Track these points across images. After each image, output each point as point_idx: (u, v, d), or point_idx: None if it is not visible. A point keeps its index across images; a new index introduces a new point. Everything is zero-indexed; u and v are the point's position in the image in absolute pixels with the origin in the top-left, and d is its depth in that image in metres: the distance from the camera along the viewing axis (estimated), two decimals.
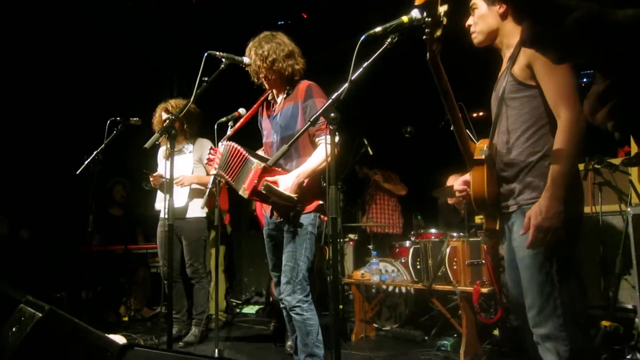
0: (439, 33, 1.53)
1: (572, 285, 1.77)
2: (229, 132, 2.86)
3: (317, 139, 2.55)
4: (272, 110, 2.78)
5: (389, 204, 5.68)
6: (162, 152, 4.18)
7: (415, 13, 1.56)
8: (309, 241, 2.54)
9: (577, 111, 1.69)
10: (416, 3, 1.51)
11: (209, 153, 2.70)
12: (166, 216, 3.84)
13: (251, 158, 2.51)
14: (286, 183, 2.45)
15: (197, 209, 3.97)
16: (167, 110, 3.92)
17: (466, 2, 2.01)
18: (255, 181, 2.43)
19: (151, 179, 3.95)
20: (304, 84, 2.66)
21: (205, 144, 4.11)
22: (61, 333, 1.98)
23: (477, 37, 2.00)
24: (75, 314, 2.95)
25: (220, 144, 2.72)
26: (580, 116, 1.69)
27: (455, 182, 2.07)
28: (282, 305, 2.71)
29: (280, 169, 2.56)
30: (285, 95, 2.72)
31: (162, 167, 4.09)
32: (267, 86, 2.75)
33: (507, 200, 1.89)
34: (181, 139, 4.05)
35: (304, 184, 2.49)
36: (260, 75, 2.68)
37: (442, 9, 1.51)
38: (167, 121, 2.40)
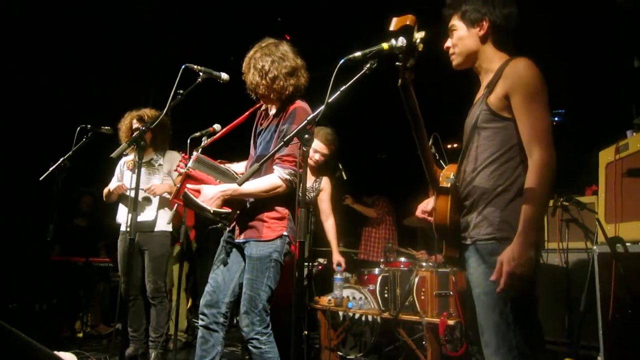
0: (412, 62, 1.51)
1: (529, 326, 1.74)
2: (203, 143, 2.75)
3: (273, 166, 2.41)
4: (263, 124, 2.62)
5: (373, 233, 5.71)
6: (125, 162, 4.06)
7: (395, 41, 1.54)
8: (273, 269, 2.38)
9: (550, 152, 1.68)
10: (391, 29, 1.48)
11: (178, 164, 2.59)
12: (128, 229, 3.77)
13: (190, 162, 2.42)
14: (206, 195, 2.34)
15: (164, 223, 3.87)
16: (140, 119, 3.83)
17: (444, 27, 2.00)
18: (179, 185, 2.38)
19: (108, 189, 3.84)
20: (293, 105, 2.45)
21: (175, 156, 4.03)
22: (4, 348, 1.86)
23: (455, 59, 1.98)
24: (28, 327, 2.81)
25: (193, 154, 2.57)
26: (553, 157, 1.68)
27: (418, 208, 2.05)
28: (200, 322, 2.48)
29: (216, 180, 2.44)
30: (275, 112, 2.55)
31: (127, 178, 3.97)
32: (262, 101, 2.60)
33: (465, 231, 1.87)
34: (150, 150, 3.96)
35: (234, 199, 2.37)
36: (259, 92, 2.49)
37: (419, 35, 1.48)
38: (138, 131, 2.31)
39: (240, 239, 2.49)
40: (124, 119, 3.90)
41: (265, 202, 2.42)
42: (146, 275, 3.86)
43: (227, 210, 2.38)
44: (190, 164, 2.40)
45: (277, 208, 2.44)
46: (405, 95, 1.61)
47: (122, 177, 4.03)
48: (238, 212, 2.48)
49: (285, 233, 2.43)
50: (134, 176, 3.83)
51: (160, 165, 3.97)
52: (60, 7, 4.82)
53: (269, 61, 2.42)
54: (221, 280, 2.51)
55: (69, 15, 4.92)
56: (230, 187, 2.37)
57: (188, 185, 2.36)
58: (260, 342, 2.34)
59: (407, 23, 1.45)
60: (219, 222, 2.48)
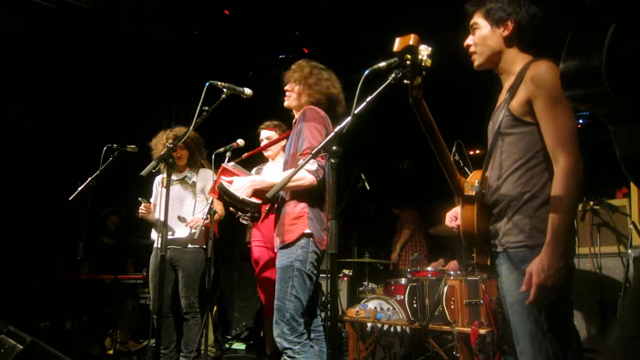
0: (419, 80, 1.50)
1: (565, 333, 1.69)
2: (239, 158, 2.85)
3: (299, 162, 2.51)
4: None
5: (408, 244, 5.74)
6: (160, 181, 4.11)
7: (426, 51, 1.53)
8: (297, 279, 2.38)
9: (576, 157, 1.63)
10: (394, 50, 1.48)
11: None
12: (159, 246, 3.81)
13: (227, 161, 2.63)
14: (238, 183, 2.45)
15: (198, 240, 3.90)
16: (176, 138, 3.88)
17: (466, 24, 1.95)
18: (215, 179, 2.52)
19: (142, 207, 3.87)
20: (303, 109, 2.58)
21: (209, 174, 4.04)
22: None
23: (477, 60, 1.92)
24: (59, 345, 2.85)
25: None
26: (579, 162, 1.63)
27: (447, 217, 2.03)
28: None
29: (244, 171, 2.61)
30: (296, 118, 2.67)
31: (162, 197, 4.01)
32: (290, 107, 2.70)
33: (494, 238, 1.84)
34: (184, 167, 4.01)
35: (262, 191, 2.44)
36: (292, 88, 2.63)
37: (426, 52, 1.47)
38: (166, 149, 2.36)
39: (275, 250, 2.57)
40: (159, 138, 3.93)
41: (284, 208, 2.49)
42: (180, 291, 3.88)
43: (256, 200, 2.45)
44: (227, 161, 2.56)
45: (295, 209, 2.47)
46: (417, 110, 1.59)
47: (160, 195, 4.06)
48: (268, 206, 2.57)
49: (307, 231, 2.42)
50: (161, 192, 3.91)
51: (194, 182, 4.01)
52: (88, 31, 4.96)
53: (315, 71, 2.61)
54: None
55: (94, 37, 5.06)
56: (260, 178, 2.49)
57: (223, 177, 2.49)
58: (294, 352, 2.34)
59: (410, 43, 1.45)
60: (247, 212, 2.53)
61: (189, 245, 3.91)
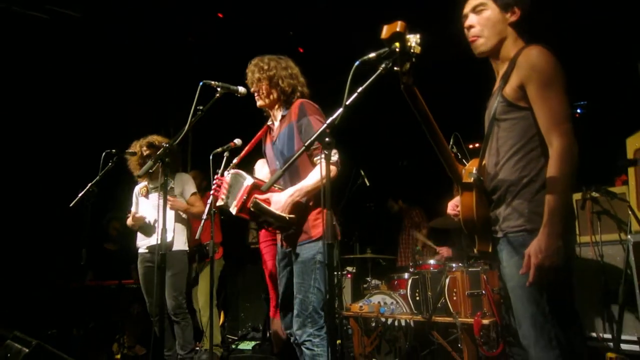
0: (407, 66, 1.51)
1: (567, 316, 1.70)
2: (235, 160, 2.75)
3: (315, 159, 2.47)
4: (272, 137, 2.71)
5: (411, 240, 5.74)
6: (139, 189, 4.16)
7: (389, 47, 1.55)
8: (319, 271, 2.42)
9: (570, 139, 1.65)
10: (382, 37, 1.50)
11: (214, 181, 2.62)
12: (147, 251, 3.84)
13: (244, 173, 2.47)
14: (279, 202, 2.39)
15: (181, 243, 3.98)
16: (150, 145, 3.91)
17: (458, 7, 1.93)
18: (245, 198, 2.37)
19: (130, 219, 3.92)
20: (297, 102, 2.57)
21: (185, 177, 4.16)
22: None
23: (483, 45, 1.88)
24: (67, 352, 2.86)
25: (226, 173, 2.62)
26: (573, 144, 1.65)
27: (448, 206, 2.04)
28: (291, 340, 2.61)
29: (276, 188, 2.49)
30: (281, 118, 2.65)
31: (142, 204, 4.08)
32: (265, 106, 2.68)
33: (495, 224, 1.85)
34: (159, 174, 4.04)
35: (299, 203, 2.42)
36: (259, 88, 2.61)
37: (414, 39, 1.49)
38: (162, 149, 2.35)
39: (287, 248, 2.57)
40: (133, 148, 3.96)
41: (305, 205, 2.48)
42: (167, 292, 3.90)
43: (293, 216, 2.41)
44: (248, 176, 2.43)
45: (316, 204, 2.48)
46: (410, 98, 1.61)
47: (138, 204, 4.13)
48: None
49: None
50: (147, 201, 3.96)
51: (171, 188, 4.05)
52: (84, 37, 4.98)
53: (272, 63, 2.60)
54: (287, 301, 2.60)
55: (91, 42, 5.08)
56: (295, 189, 2.42)
57: (257, 196, 2.38)
58: (313, 344, 2.38)
59: (397, 30, 1.47)
60: (286, 229, 2.48)
61: (173, 249, 3.95)
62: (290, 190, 2.43)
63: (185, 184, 4.07)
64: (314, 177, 2.43)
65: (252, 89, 2.65)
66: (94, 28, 4.94)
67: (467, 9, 1.91)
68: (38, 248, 5.25)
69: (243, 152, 2.80)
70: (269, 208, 2.37)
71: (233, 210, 2.41)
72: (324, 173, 1.56)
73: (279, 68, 2.58)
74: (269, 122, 2.77)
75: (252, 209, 2.36)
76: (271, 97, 2.62)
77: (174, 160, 4.10)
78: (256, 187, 2.39)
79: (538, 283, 1.63)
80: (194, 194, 4.09)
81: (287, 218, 2.38)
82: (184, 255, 4.03)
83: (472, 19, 1.88)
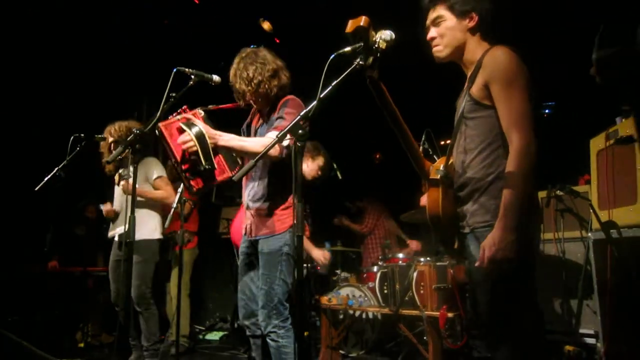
0: (370, 60, 1.55)
1: (527, 310, 1.77)
2: (209, 107, 2.64)
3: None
4: (258, 123, 2.72)
5: (372, 240, 5.65)
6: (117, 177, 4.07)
7: (353, 42, 1.58)
8: (285, 263, 2.45)
9: (529, 137, 1.70)
10: (346, 31, 1.54)
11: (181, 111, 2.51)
12: (118, 239, 3.80)
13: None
14: (219, 139, 2.35)
15: (147, 231, 3.86)
16: (123, 130, 3.83)
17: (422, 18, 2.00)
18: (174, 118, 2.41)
19: (104, 211, 3.89)
20: (284, 98, 2.57)
21: (149, 160, 4.01)
22: (7, 356, 1.86)
23: (442, 52, 1.97)
24: (29, 339, 2.80)
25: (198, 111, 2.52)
26: (531, 142, 1.70)
27: (421, 199, 2.09)
28: (247, 333, 2.63)
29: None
30: (267, 111, 2.66)
31: (115, 193, 4.02)
32: (254, 105, 2.69)
33: (462, 220, 1.91)
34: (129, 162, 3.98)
35: (228, 152, 2.42)
36: (247, 99, 2.60)
37: (379, 35, 1.53)
38: (132, 135, 2.29)
39: (252, 237, 2.58)
40: (106, 133, 3.89)
41: (273, 195, 2.49)
42: (132, 281, 3.82)
43: (211, 163, 2.33)
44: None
45: (283, 199, 2.50)
46: (375, 91, 1.65)
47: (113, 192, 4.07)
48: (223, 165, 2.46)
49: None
50: (117, 189, 3.91)
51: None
52: (52, 17, 4.83)
53: (251, 69, 2.52)
54: (249, 291, 2.61)
55: (61, 25, 4.93)
56: (232, 136, 2.39)
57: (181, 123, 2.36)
58: (278, 336, 2.40)
59: (361, 24, 1.52)
60: (198, 172, 2.39)
61: (138, 237, 3.84)
62: (227, 136, 2.38)
63: (149, 168, 3.92)
64: (253, 140, 2.47)
65: (240, 102, 2.63)
66: (66, 8, 4.79)
67: (427, 21, 2.00)
68: (3, 233, 5.09)
69: (223, 106, 2.74)
70: (202, 128, 2.30)
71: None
72: (293, 164, 1.55)
73: (263, 72, 2.52)
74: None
75: (182, 126, 2.33)
76: (259, 102, 2.63)
77: (145, 146, 4.01)
78: (197, 116, 2.40)
79: (492, 275, 1.69)
80: (159, 177, 3.93)
81: (193, 140, 2.28)
82: (151, 244, 3.91)
83: (432, 32, 1.98)
